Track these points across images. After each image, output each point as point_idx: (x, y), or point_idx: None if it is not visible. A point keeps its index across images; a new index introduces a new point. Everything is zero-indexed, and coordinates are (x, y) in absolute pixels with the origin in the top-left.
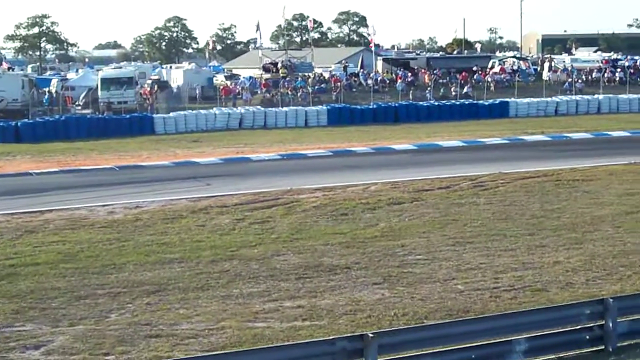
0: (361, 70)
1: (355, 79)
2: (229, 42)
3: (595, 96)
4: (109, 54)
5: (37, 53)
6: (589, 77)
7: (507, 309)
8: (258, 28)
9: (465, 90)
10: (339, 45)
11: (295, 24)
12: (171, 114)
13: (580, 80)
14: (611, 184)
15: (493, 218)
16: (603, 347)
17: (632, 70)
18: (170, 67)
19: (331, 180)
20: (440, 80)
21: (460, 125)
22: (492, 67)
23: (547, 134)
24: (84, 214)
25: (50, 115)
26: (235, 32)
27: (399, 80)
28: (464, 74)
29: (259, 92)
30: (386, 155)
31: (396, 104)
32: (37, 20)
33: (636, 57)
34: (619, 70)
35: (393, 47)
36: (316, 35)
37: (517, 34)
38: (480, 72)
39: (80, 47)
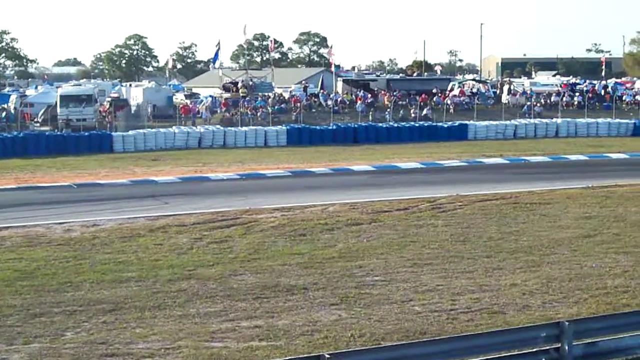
0: (321, 90)
1: (315, 99)
2: (189, 61)
3: (554, 120)
4: (69, 71)
5: None
6: (548, 101)
7: (464, 331)
8: (218, 48)
9: (424, 112)
10: (300, 66)
11: (256, 43)
12: (130, 132)
13: (539, 104)
14: (569, 207)
15: (451, 240)
16: None
17: (590, 95)
18: (130, 85)
19: (290, 200)
20: (400, 102)
21: (419, 147)
22: (452, 89)
23: (505, 156)
24: (41, 231)
25: (8, 132)
26: (195, 51)
27: (359, 102)
28: (423, 96)
29: (218, 111)
30: (345, 176)
31: (355, 125)
32: None
33: (594, 82)
34: (577, 94)
35: (353, 68)
36: (277, 55)
37: (477, 57)
38: (439, 95)
39: (40, 63)
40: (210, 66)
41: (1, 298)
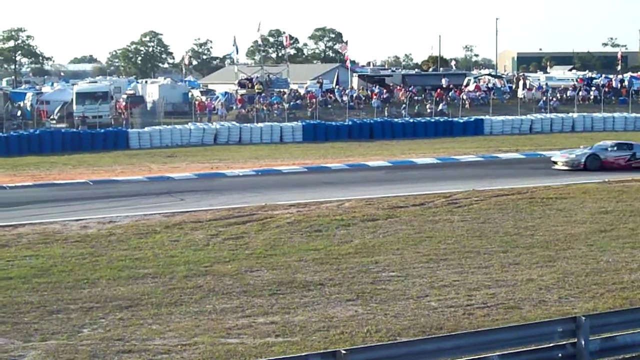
0: (337, 86)
1: (331, 95)
2: (204, 57)
3: (570, 114)
4: (85, 68)
5: (12, 67)
6: (564, 96)
7: (480, 326)
8: (235, 44)
9: (440, 107)
10: (315, 62)
11: (272, 39)
12: (146, 129)
13: (554, 99)
14: (585, 202)
15: (467, 235)
16: None
17: (606, 89)
18: (146, 81)
19: (306, 196)
20: (416, 97)
21: (434, 142)
22: (468, 84)
23: (521, 151)
24: (58, 228)
25: (24, 129)
26: (211, 47)
27: (375, 97)
28: (439, 91)
29: (234, 107)
30: (361, 172)
31: (371, 121)
32: (13, 33)
33: (610, 76)
34: (593, 88)
35: (369, 63)
36: (292, 51)
37: (492, 52)
38: (455, 90)
39: (56, 61)
40: (226, 61)
41: (18, 295)
